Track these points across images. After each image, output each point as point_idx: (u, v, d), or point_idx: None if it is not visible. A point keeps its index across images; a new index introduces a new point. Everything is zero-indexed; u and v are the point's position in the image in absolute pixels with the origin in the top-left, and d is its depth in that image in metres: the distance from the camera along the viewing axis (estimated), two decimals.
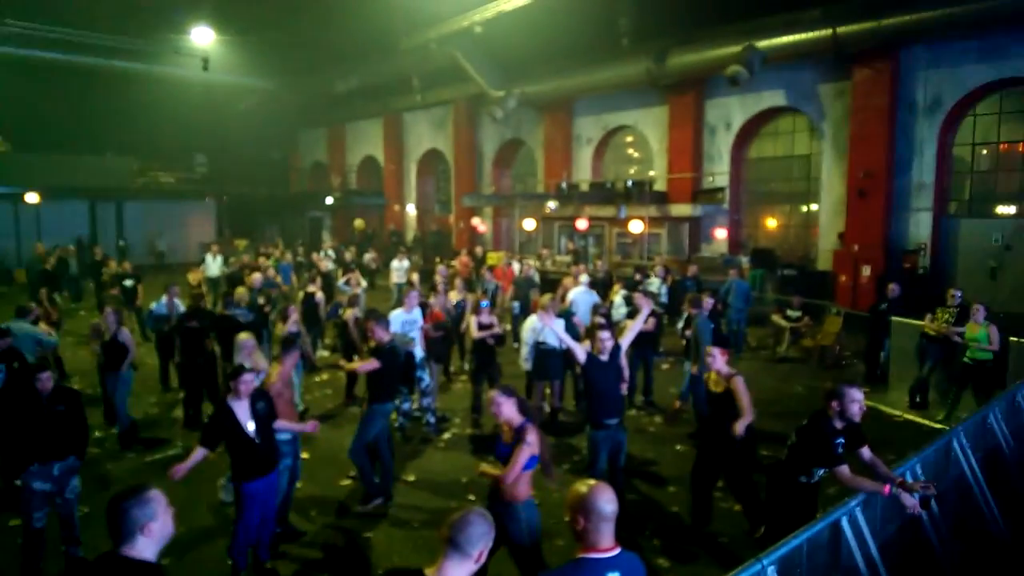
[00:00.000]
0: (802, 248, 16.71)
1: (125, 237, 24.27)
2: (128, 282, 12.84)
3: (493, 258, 19.16)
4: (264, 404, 5.03)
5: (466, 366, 10.38)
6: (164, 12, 20.25)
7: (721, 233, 16.84)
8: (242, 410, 4.90)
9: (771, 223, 17.51)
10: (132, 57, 22.71)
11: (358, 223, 26.05)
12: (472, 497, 6.30)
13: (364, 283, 13.19)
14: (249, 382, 4.97)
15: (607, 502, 2.55)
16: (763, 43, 14.40)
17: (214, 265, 16.12)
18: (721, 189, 16.89)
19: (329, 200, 26.46)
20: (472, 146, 23.42)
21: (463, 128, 23.33)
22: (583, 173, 19.96)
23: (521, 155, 23.36)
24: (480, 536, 2.37)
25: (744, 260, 15.44)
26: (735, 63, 14.40)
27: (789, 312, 12.11)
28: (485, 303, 8.49)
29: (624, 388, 6.10)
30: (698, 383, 7.56)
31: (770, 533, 4.44)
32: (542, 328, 7.79)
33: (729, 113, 16.89)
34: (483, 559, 2.40)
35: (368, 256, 20.15)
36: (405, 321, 8.03)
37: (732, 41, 14.84)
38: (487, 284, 12.06)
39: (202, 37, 21.71)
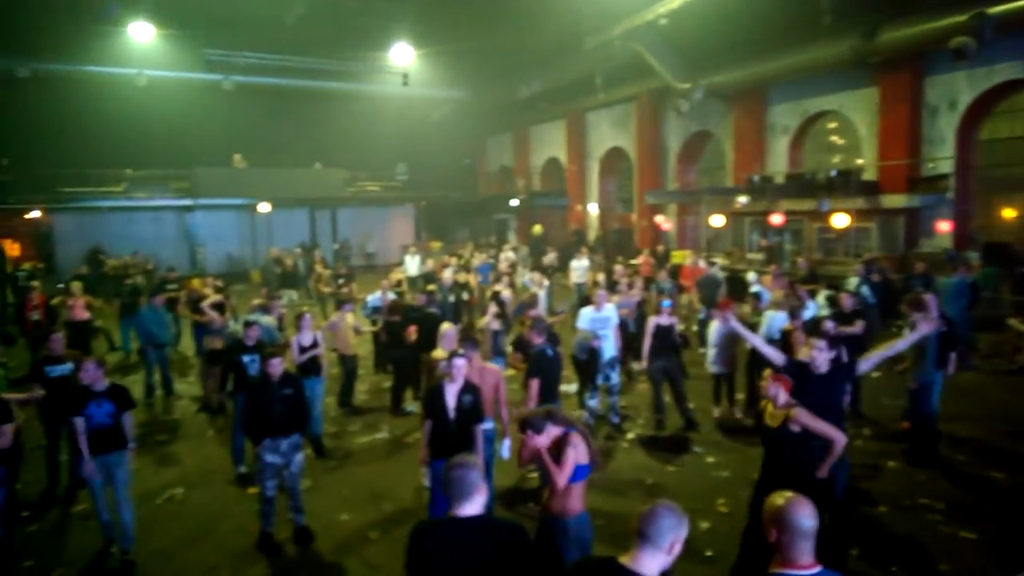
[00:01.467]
0: None
1: (339, 241, 26.90)
2: (341, 280, 14.24)
3: (678, 256, 18.61)
4: (471, 398, 5.22)
5: (635, 366, 10.17)
6: (370, 34, 22.14)
7: (944, 226, 14.88)
8: (451, 394, 5.17)
9: (1008, 214, 15.14)
10: (342, 78, 25.18)
11: (536, 228, 26.67)
12: (658, 497, 6.14)
13: (546, 282, 13.44)
14: (460, 367, 5.21)
15: (806, 517, 2.42)
16: (996, 8, 12.50)
17: (412, 265, 17.37)
18: (944, 176, 14.92)
19: (514, 202, 27.35)
20: (656, 142, 22.94)
21: (646, 124, 22.93)
22: (778, 164, 18.70)
23: (708, 149, 22.45)
24: (670, 528, 2.41)
25: (974, 256, 13.52)
26: (960, 34, 12.67)
27: None
28: (667, 303, 8.23)
29: (846, 400, 5.51)
30: (924, 396, 6.78)
31: None
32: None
33: (954, 91, 14.88)
34: (676, 550, 2.44)
35: (548, 257, 20.54)
36: (595, 319, 8.08)
37: (956, 10, 13.06)
38: (662, 285, 11.76)
39: (402, 55, 23.47)
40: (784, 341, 7.10)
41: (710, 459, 7.36)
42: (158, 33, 21.41)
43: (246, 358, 7.11)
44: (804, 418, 4.30)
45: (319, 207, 26.91)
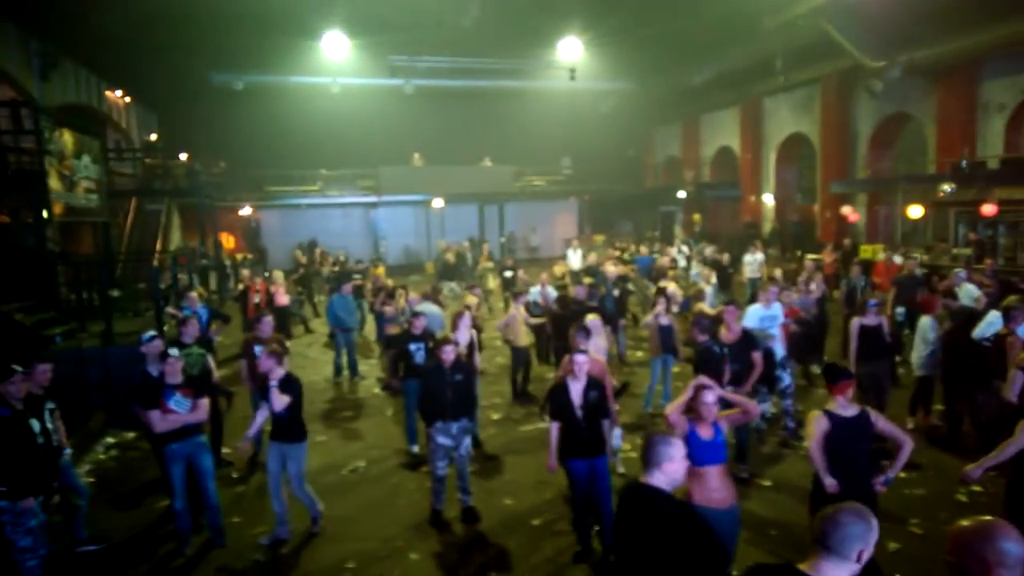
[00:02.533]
0: None
1: (505, 234, 27.75)
2: (507, 273, 14.64)
3: (867, 251, 17.04)
4: (597, 393, 5.20)
5: (815, 369, 9.43)
6: (540, 32, 22.47)
7: None
8: (576, 391, 5.18)
9: None
10: (512, 76, 25.82)
11: (696, 217, 25.66)
12: None
13: (714, 279, 12.86)
14: (582, 363, 5.21)
15: (1016, 542, 2.00)
16: None
17: (575, 258, 17.46)
18: None
19: (681, 194, 26.51)
20: (843, 126, 21.08)
21: (832, 107, 21.15)
22: (992, 148, 16.41)
23: (906, 132, 20.26)
24: (856, 536, 2.20)
25: None
26: None
27: None
28: (872, 302, 7.46)
29: None
30: None
31: None
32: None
33: None
34: (865, 558, 2.21)
35: (709, 249, 19.70)
36: (763, 317, 7.64)
37: None
38: (854, 281, 10.73)
39: (569, 50, 23.60)
40: (996, 346, 6.26)
41: (902, 474, 6.66)
42: (349, 43, 23.29)
43: (412, 346, 7.54)
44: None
45: (488, 202, 27.88)
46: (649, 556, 3.00)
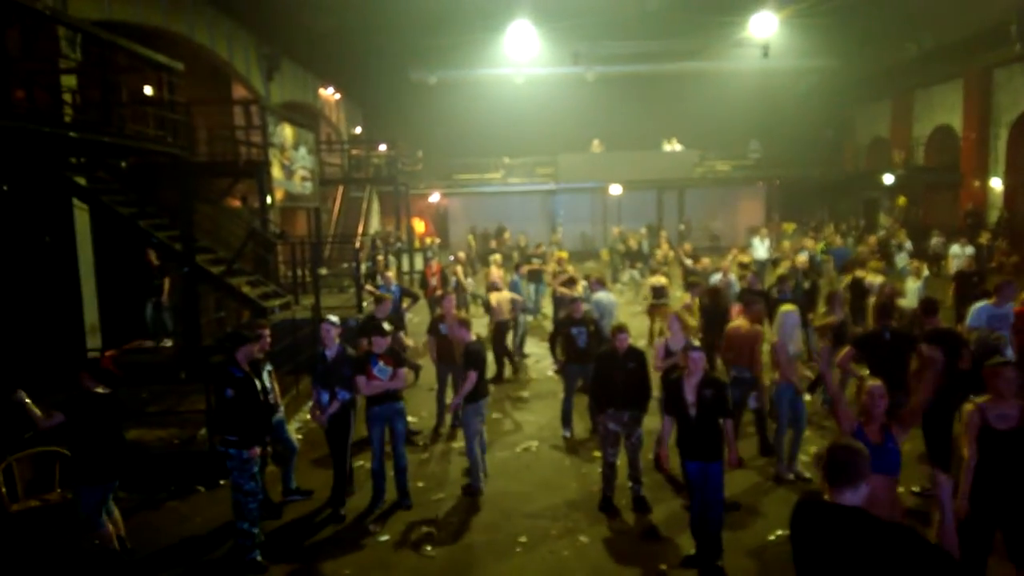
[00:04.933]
0: None
1: (685, 221, 26.87)
2: (688, 261, 14.14)
3: None
4: (711, 391, 4.93)
5: None
6: (731, 7, 21.35)
7: None
8: (690, 388, 4.96)
9: None
10: (697, 57, 24.81)
11: (901, 200, 22.89)
12: None
13: (925, 271, 11.46)
14: (698, 360, 4.99)
15: None
16: None
17: (761, 248, 16.51)
18: None
19: (889, 178, 23.91)
20: None
21: None
22: None
23: None
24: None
25: None
26: None
27: None
28: None
29: None
30: None
31: None
32: None
33: None
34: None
35: (935, 241, 17.61)
36: (992, 315, 6.77)
37: None
38: None
39: (762, 26, 22.16)
40: None
41: None
42: (534, 32, 23.77)
43: (574, 330, 7.66)
44: None
45: (667, 188, 27.14)
46: None
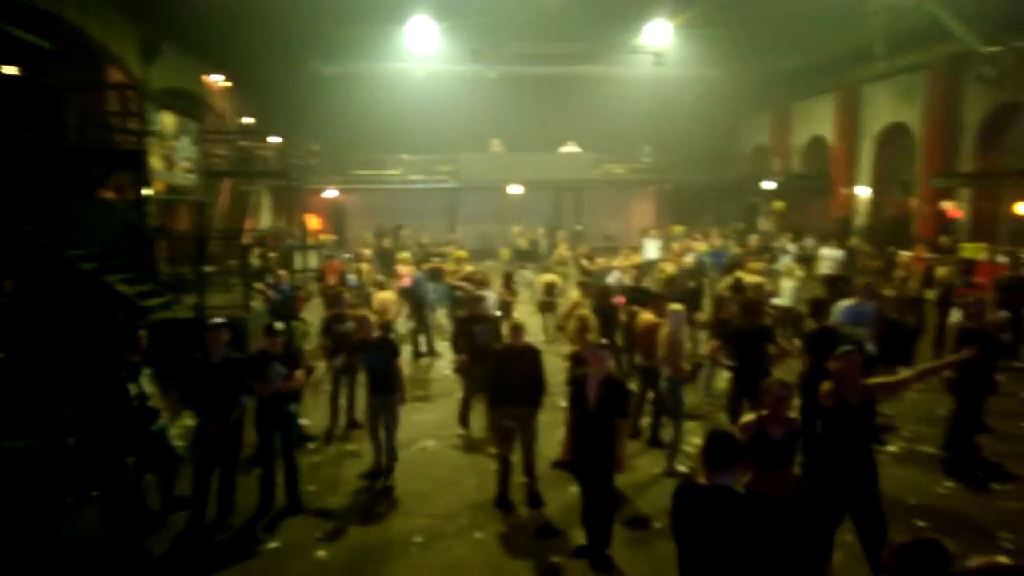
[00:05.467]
0: None
1: (581, 222, 27.51)
2: (584, 262, 14.48)
3: (968, 250, 15.97)
4: (612, 391, 5.06)
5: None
6: (627, 14, 22.07)
7: None
8: (592, 386, 5.07)
9: None
10: (595, 61, 25.46)
11: (777, 205, 24.61)
12: (921, 523, 5.42)
13: (799, 272, 12.32)
14: (602, 358, 5.15)
15: None
16: None
17: (652, 248, 17.18)
18: None
19: (768, 184, 25.52)
20: (948, 116, 19.71)
21: (938, 95, 19.79)
22: None
23: (1019, 123, 18.75)
24: (928, 570, 2.16)
25: None
26: None
27: None
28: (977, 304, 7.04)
29: None
30: None
31: None
32: None
33: None
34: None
35: (808, 243, 18.90)
36: (855, 313, 7.43)
37: None
38: (951, 281, 10.07)
39: (656, 34, 23.07)
40: None
41: (995, 486, 6.29)
42: (435, 27, 23.62)
43: (476, 328, 7.71)
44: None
45: (565, 189, 27.68)
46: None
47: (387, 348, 6.66)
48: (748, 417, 4.32)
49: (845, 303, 7.78)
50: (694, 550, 3.04)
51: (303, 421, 7.87)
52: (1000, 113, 18.58)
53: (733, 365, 6.94)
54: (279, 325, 6.37)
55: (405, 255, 14.06)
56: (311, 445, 7.55)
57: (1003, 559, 2.10)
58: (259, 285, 11.01)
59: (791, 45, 22.52)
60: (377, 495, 6.35)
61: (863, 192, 23.59)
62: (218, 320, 6.17)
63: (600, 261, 14.13)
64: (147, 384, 5.69)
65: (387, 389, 6.47)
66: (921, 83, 20.41)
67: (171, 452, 6.14)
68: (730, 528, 2.94)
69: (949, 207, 18.76)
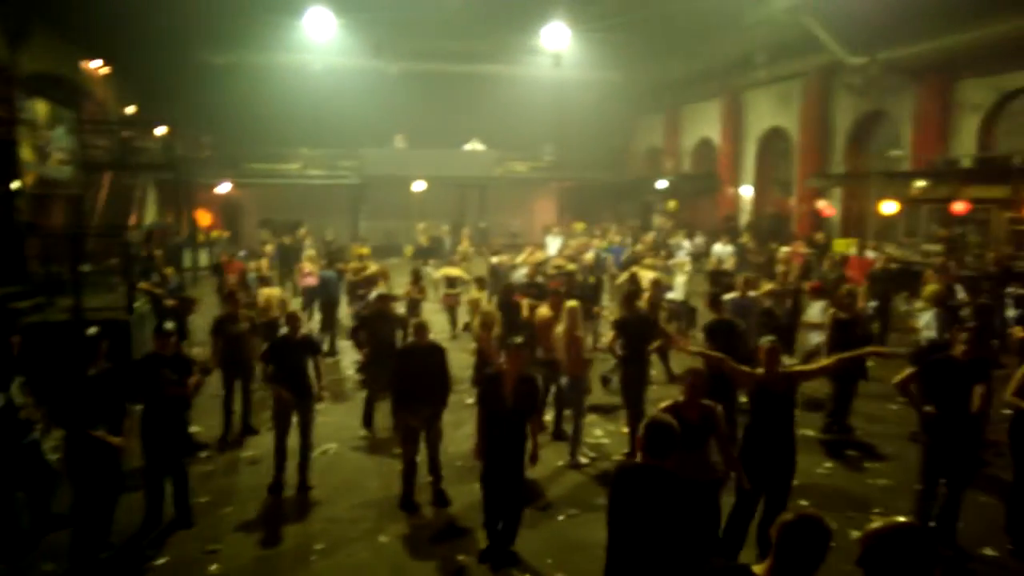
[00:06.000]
0: None
1: (485, 219, 27.65)
2: (494, 259, 14.50)
3: (840, 245, 17.28)
4: (525, 388, 5.14)
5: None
6: (526, 15, 22.34)
7: None
8: (506, 384, 5.13)
9: None
10: (497, 60, 25.66)
11: (671, 204, 25.85)
12: (804, 502, 5.83)
13: (688, 267, 12.94)
14: (518, 356, 5.23)
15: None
16: None
17: (553, 245, 17.53)
18: None
19: (661, 184, 26.62)
20: (822, 121, 21.27)
21: (812, 102, 21.31)
22: (965, 147, 16.67)
23: (882, 129, 20.47)
24: (811, 545, 2.28)
25: None
26: None
27: None
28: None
29: None
30: None
31: None
32: None
33: None
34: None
35: (698, 240, 19.85)
36: (738, 305, 7.89)
37: None
38: (827, 274, 10.93)
39: (555, 37, 23.49)
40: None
41: (868, 464, 6.87)
42: (333, 22, 23.00)
43: (380, 326, 7.64)
44: None
45: (469, 186, 27.72)
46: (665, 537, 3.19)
47: (308, 347, 6.58)
48: (664, 403, 4.50)
49: (729, 296, 8.27)
50: (625, 526, 3.27)
51: (194, 428, 7.51)
52: (866, 119, 20.24)
53: (621, 354, 7.21)
54: (169, 325, 6.04)
55: (311, 252, 13.66)
56: (202, 454, 7.21)
57: (901, 518, 2.28)
58: (143, 285, 10.37)
59: (681, 52, 23.57)
60: (275, 503, 6.15)
61: (747, 191, 25.04)
62: (93, 330, 5.77)
63: (505, 257, 14.26)
64: (18, 394, 5.25)
65: (303, 390, 6.32)
66: (797, 90, 21.89)
67: (45, 467, 5.70)
68: (659, 505, 3.19)
69: (822, 206, 20.24)
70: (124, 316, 9.21)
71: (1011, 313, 9.86)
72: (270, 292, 9.84)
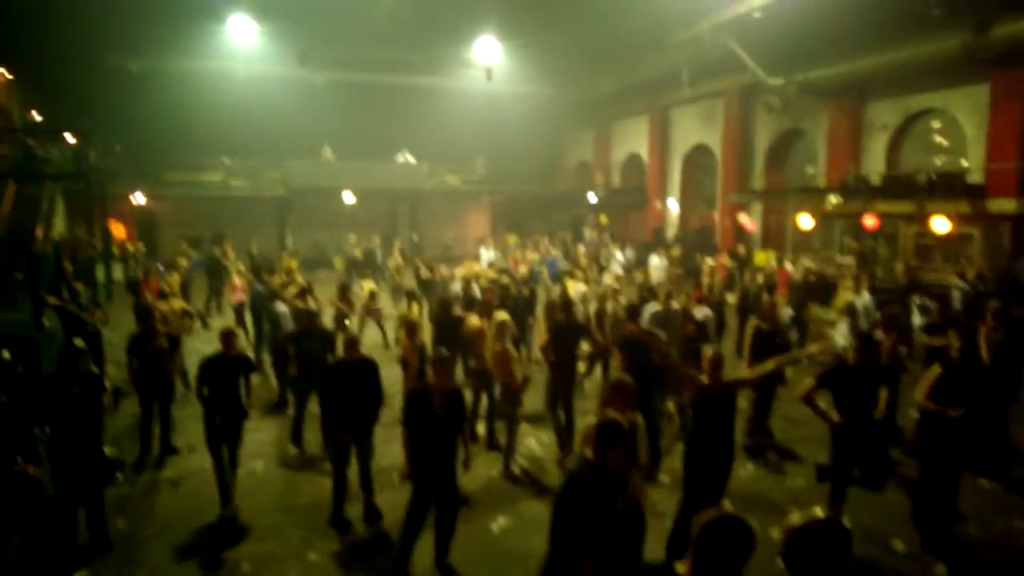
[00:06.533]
0: None
1: (416, 232, 27.46)
2: (425, 273, 14.32)
3: (760, 257, 18.00)
4: (454, 401, 5.12)
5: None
6: (457, 29, 22.41)
7: None
8: (435, 398, 5.10)
9: None
10: (427, 72, 25.59)
11: (603, 218, 26.46)
12: (726, 502, 5.99)
13: (611, 279, 13.18)
14: (443, 370, 5.17)
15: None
16: None
17: (487, 257, 17.57)
18: None
19: (592, 198, 27.12)
20: (743, 139, 22.21)
21: (734, 120, 22.24)
22: (874, 164, 17.74)
23: (799, 147, 21.55)
24: (730, 544, 2.33)
25: None
26: None
27: None
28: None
29: None
30: None
31: None
32: None
33: None
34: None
35: (628, 254, 20.27)
36: (658, 317, 8.11)
37: None
38: (749, 286, 11.36)
39: (487, 51, 23.66)
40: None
41: (786, 467, 7.12)
42: (257, 29, 22.43)
43: (307, 342, 7.43)
44: None
45: (400, 198, 27.48)
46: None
47: (243, 366, 6.33)
48: (594, 417, 4.55)
49: (652, 308, 8.47)
50: (569, 520, 3.38)
51: (108, 449, 7.10)
52: (784, 137, 21.25)
53: (552, 360, 7.33)
54: (79, 342, 5.70)
55: (240, 266, 13.22)
56: (119, 475, 6.81)
57: (819, 511, 2.34)
58: (51, 300, 9.76)
59: (610, 69, 24.16)
60: (199, 524, 5.86)
61: (674, 206, 25.81)
62: (6, 354, 5.40)
63: (443, 270, 14.14)
64: None
65: (236, 410, 6.09)
66: (720, 109, 22.79)
67: None
68: (600, 501, 3.32)
69: (744, 220, 21.06)
70: (31, 332, 8.64)
71: (917, 321, 10.45)
72: (170, 304, 9.39)
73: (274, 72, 23.97)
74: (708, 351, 5.14)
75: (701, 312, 8.66)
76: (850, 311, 8.44)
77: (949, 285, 11.66)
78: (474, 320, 7.65)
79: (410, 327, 7.42)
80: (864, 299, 9.40)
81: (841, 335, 8.20)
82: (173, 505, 6.22)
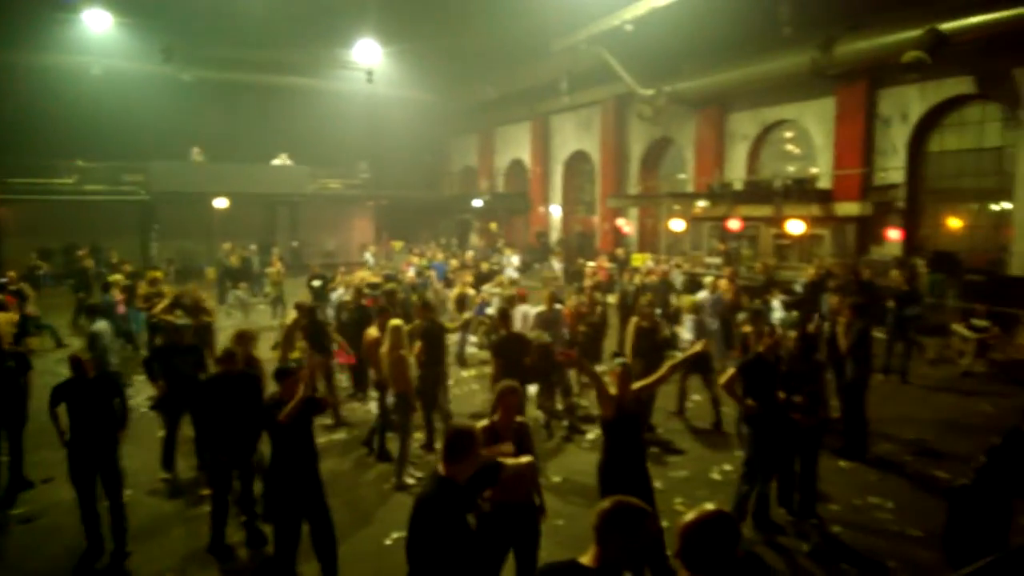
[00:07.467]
0: (991, 251, 14.86)
1: (298, 238, 26.45)
2: (316, 282, 13.80)
3: (637, 259, 18.82)
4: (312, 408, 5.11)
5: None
6: (336, 30, 21.87)
7: (894, 234, 15.37)
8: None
9: (954, 223, 15.73)
10: (306, 73, 24.80)
11: (492, 226, 26.83)
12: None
13: (501, 282, 13.35)
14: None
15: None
16: (947, 25, 12.95)
17: (372, 262, 17.27)
18: (894, 186, 15.40)
19: (477, 203, 27.31)
20: (619, 146, 23.17)
21: (610, 128, 23.15)
22: (737, 171, 19.06)
23: (670, 154, 22.77)
24: (628, 524, 2.42)
25: (920, 263, 14.00)
26: (913, 48, 13.08)
27: (974, 322, 10.84)
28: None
29: None
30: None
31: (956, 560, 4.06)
32: None
33: (906, 103, 15.36)
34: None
35: (515, 259, 20.54)
36: (544, 319, 8.32)
37: (910, 24, 13.49)
38: (627, 287, 11.89)
39: (367, 53, 23.23)
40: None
41: (668, 459, 7.47)
42: (115, 22, 20.81)
43: (178, 358, 6.95)
44: None
45: (279, 203, 26.39)
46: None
47: (107, 388, 5.64)
48: (483, 423, 4.50)
49: (535, 309, 8.68)
50: (420, 543, 3.27)
51: None
52: (656, 145, 22.37)
53: (422, 360, 7.47)
54: None
55: (117, 277, 12.14)
56: None
57: (710, 505, 2.45)
58: None
59: (492, 75, 24.47)
60: (55, 560, 5.32)
61: (556, 211, 26.49)
62: None
63: (340, 277, 13.69)
64: None
65: (105, 439, 5.46)
66: (597, 117, 23.65)
67: None
68: (439, 515, 3.22)
69: (621, 224, 21.96)
70: None
71: (777, 316, 11.31)
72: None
73: (135, 68, 22.38)
74: (616, 366, 5.16)
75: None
76: (695, 310, 9.11)
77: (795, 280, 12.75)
78: (372, 331, 7.48)
79: (240, 336, 6.86)
80: (710, 298, 10.13)
81: (687, 330, 8.89)
82: (26, 543, 5.63)
